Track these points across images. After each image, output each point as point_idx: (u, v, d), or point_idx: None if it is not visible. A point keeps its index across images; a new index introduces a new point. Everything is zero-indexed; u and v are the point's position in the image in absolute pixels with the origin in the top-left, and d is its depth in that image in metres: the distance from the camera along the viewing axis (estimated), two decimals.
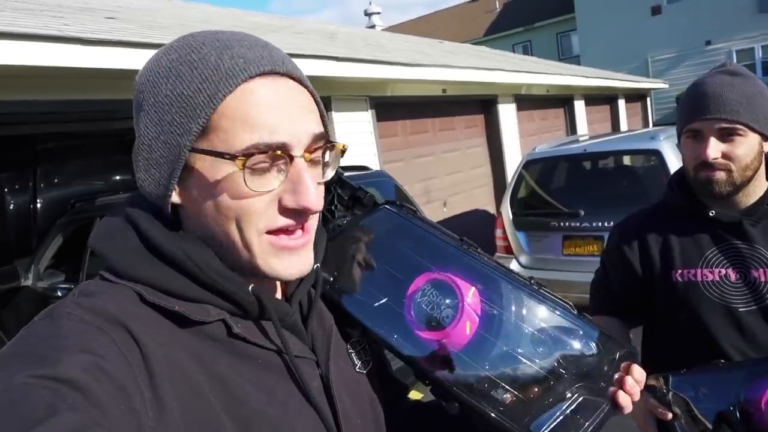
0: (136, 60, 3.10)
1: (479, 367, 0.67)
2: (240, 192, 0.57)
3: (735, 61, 17.65)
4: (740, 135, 1.19)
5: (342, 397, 0.68)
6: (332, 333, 0.72)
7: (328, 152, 0.64)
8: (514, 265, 4.70)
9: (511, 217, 4.76)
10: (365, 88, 5.38)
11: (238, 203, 0.57)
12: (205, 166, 0.58)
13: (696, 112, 1.22)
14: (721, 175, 1.21)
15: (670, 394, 1.03)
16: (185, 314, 0.57)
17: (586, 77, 9.80)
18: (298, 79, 0.61)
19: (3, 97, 2.99)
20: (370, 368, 0.77)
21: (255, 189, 0.57)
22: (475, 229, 6.81)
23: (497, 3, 29.36)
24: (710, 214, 1.26)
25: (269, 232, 0.59)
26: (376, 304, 0.75)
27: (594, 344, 0.71)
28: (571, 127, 10.09)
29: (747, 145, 1.20)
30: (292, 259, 0.61)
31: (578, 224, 4.31)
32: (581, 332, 0.71)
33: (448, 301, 0.71)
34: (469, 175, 7.50)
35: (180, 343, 0.57)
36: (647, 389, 1.14)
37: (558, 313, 0.72)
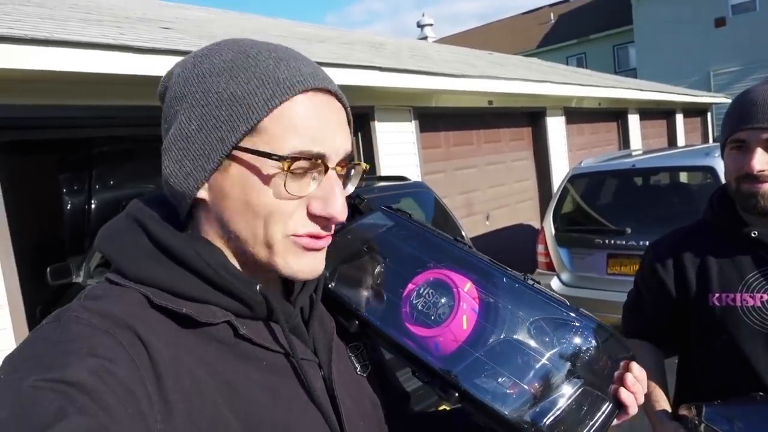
0: None
1: (479, 356, 0.68)
2: (278, 192, 0.59)
3: None
4: None
5: (344, 399, 0.69)
6: (333, 336, 0.74)
7: (353, 170, 0.69)
8: (555, 283, 4.57)
9: (553, 232, 4.63)
10: (409, 98, 5.39)
11: (273, 202, 0.59)
12: (246, 164, 0.59)
13: (742, 122, 1.15)
14: (766, 188, 1.13)
15: (703, 426, 0.97)
16: (192, 316, 0.58)
17: (641, 90, 9.48)
18: (340, 99, 0.64)
19: (63, 101, 3.17)
20: (369, 372, 0.78)
21: (291, 192, 0.59)
22: (517, 243, 6.68)
23: (551, 15, 28.92)
24: (752, 234, 1.17)
25: (294, 235, 0.61)
26: (378, 301, 0.76)
27: (592, 336, 0.71)
28: (624, 142, 9.77)
29: None
30: (308, 260, 0.63)
31: (624, 242, 4.15)
32: (579, 324, 0.72)
33: (443, 300, 0.73)
34: (514, 188, 7.36)
35: (186, 345, 0.58)
36: (679, 419, 1.08)
37: (554, 305, 0.73)
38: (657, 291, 1.32)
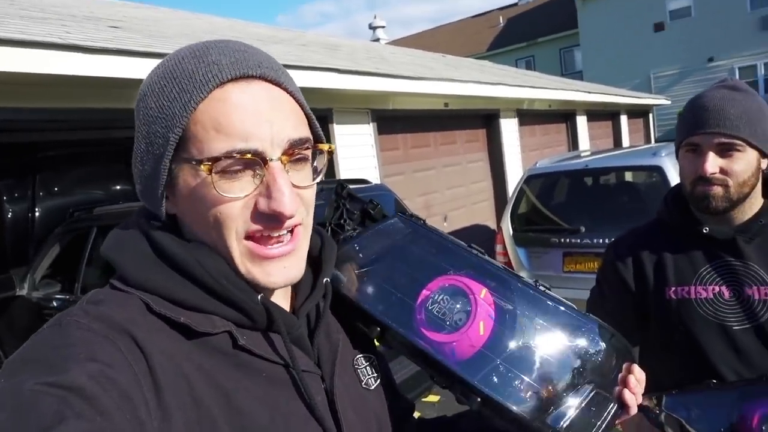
0: (136, 69, 3.10)
1: (498, 362, 0.69)
2: (213, 198, 0.57)
3: (738, 77, 17.79)
4: (739, 150, 1.18)
5: (347, 413, 0.67)
6: (339, 348, 0.71)
7: (317, 157, 0.65)
8: None
9: (511, 232, 4.73)
10: (367, 100, 5.39)
11: (214, 209, 0.58)
12: (185, 175, 0.59)
13: (695, 126, 1.20)
14: (718, 190, 1.19)
15: (663, 414, 1.01)
16: (190, 325, 0.57)
17: (588, 92, 9.82)
18: (275, 82, 0.60)
19: (3, 104, 2.99)
20: (378, 385, 0.76)
21: (227, 194, 0.57)
22: (475, 244, 6.78)
23: (501, 18, 29.58)
24: (704, 231, 1.24)
25: (248, 238, 0.59)
26: (396, 306, 0.76)
27: (601, 341, 0.74)
28: (573, 143, 10.09)
29: (745, 161, 1.19)
30: (273, 267, 0.61)
31: (579, 240, 4.27)
32: (588, 329, 0.74)
33: (459, 305, 0.73)
34: (470, 189, 7.48)
35: (185, 353, 0.57)
36: (640, 409, 1.12)
37: (565, 309, 0.75)
38: (617, 288, 1.37)
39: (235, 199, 0.57)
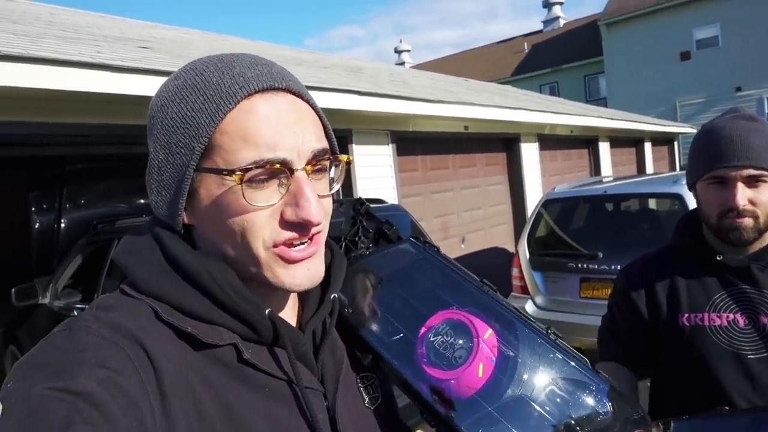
0: (156, 87, 3.20)
1: (490, 410, 0.65)
2: (241, 207, 0.58)
3: (766, 107, 17.47)
4: (765, 181, 1.17)
5: (348, 431, 0.67)
6: (342, 365, 0.71)
7: (334, 167, 0.66)
8: (529, 306, 4.61)
9: (528, 256, 4.69)
10: (387, 122, 5.45)
11: (241, 218, 0.58)
12: (209, 184, 0.59)
13: (720, 159, 1.18)
14: (748, 221, 1.18)
15: None
16: (197, 336, 0.58)
17: (612, 119, 9.77)
18: (298, 94, 0.62)
19: (35, 118, 3.11)
20: (379, 404, 0.75)
21: (255, 203, 0.58)
22: (492, 266, 6.73)
23: (525, 45, 29.71)
24: (718, 258, 1.23)
25: (275, 245, 0.60)
26: (393, 336, 0.74)
27: (608, 402, 0.69)
28: (596, 168, 10.01)
29: None
30: (297, 270, 0.61)
31: (596, 266, 4.22)
32: (596, 388, 0.69)
33: (461, 341, 0.70)
34: (489, 212, 7.46)
35: (191, 363, 0.57)
36: None
37: (574, 365, 0.70)
38: (630, 314, 1.35)
39: (262, 208, 0.58)
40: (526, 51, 29.06)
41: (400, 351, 0.72)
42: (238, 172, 0.57)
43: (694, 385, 1.22)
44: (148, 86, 3.19)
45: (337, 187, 0.67)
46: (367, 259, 0.84)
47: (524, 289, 4.70)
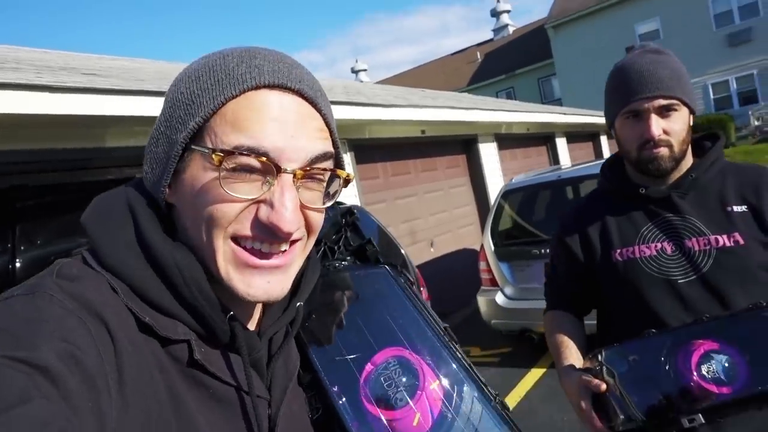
0: (108, 106, 3.16)
1: None
2: (217, 195, 0.56)
3: (711, 93, 18.17)
4: (676, 110, 1.22)
5: None
6: (293, 376, 0.69)
7: (336, 182, 0.64)
8: (499, 298, 4.65)
9: (493, 248, 4.75)
10: (342, 130, 5.48)
11: (212, 206, 0.56)
12: (195, 166, 0.58)
13: (633, 93, 1.23)
14: (664, 151, 1.23)
15: (604, 368, 1.01)
16: (153, 327, 0.56)
17: (564, 114, 10.03)
18: (310, 100, 0.59)
19: None
20: (319, 416, 0.73)
21: (232, 193, 0.55)
22: (462, 267, 6.78)
23: (478, 54, 30.40)
24: (641, 192, 1.27)
25: (235, 240, 0.57)
26: (338, 358, 0.72)
27: None
28: (555, 164, 10.23)
29: (682, 120, 1.23)
30: (255, 279, 0.58)
31: None
32: None
33: (406, 382, 0.68)
34: (454, 214, 7.52)
35: (151, 348, 0.56)
36: (582, 370, 1.12)
37: None
38: (566, 259, 1.39)
39: (238, 200, 0.56)
40: (480, 60, 29.72)
41: (342, 379, 0.70)
42: (219, 153, 0.55)
43: (634, 317, 1.26)
44: (92, 105, 3.14)
45: (330, 202, 0.63)
46: (338, 274, 0.82)
47: (493, 282, 4.75)
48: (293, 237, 0.58)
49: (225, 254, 0.57)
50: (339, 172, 0.63)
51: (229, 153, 0.55)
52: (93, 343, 0.50)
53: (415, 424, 0.65)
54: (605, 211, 1.34)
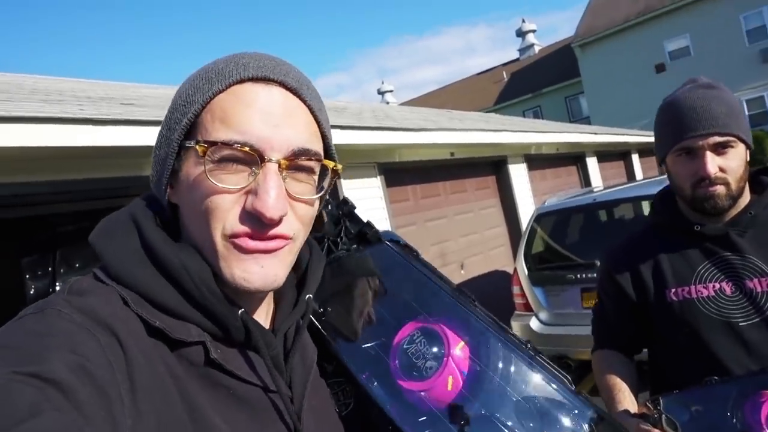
0: (146, 137, 3.24)
1: (451, 426, 0.63)
2: (208, 188, 0.57)
3: (746, 109, 17.77)
4: (732, 147, 1.18)
5: None
6: (312, 370, 0.69)
7: (328, 175, 0.64)
8: (534, 323, 4.55)
9: (526, 273, 4.67)
10: (373, 155, 5.50)
11: (206, 200, 0.57)
12: (189, 164, 0.59)
13: (686, 130, 1.19)
14: (721, 189, 1.18)
15: (663, 416, 0.96)
16: (165, 330, 0.56)
17: (595, 134, 9.90)
18: (294, 91, 0.60)
19: (19, 179, 3.13)
20: (350, 411, 0.72)
21: (220, 184, 0.57)
22: (494, 289, 6.68)
23: (504, 73, 30.39)
24: (696, 229, 1.22)
25: (233, 236, 0.58)
26: (363, 345, 0.71)
27: (587, 426, 0.64)
28: (586, 184, 10.06)
29: (739, 157, 1.19)
30: (249, 265, 0.58)
31: (595, 275, 4.18)
32: (575, 410, 0.65)
33: (434, 350, 0.68)
34: (485, 236, 7.45)
35: (161, 356, 0.56)
36: (639, 416, 1.07)
37: (552, 385, 0.67)
38: (616, 296, 1.34)
39: (227, 191, 0.57)
40: (506, 79, 29.70)
41: (369, 362, 0.69)
42: (203, 144, 0.57)
43: (690, 358, 1.20)
44: (131, 137, 3.22)
45: (321, 194, 0.64)
46: (344, 260, 0.82)
47: (527, 306, 4.66)
48: (282, 231, 0.59)
49: (226, 250, 0.58)
50: (326, 162, 0.63)
51: (213, 144, 0.56)
52: (103, 353, 0.50)
53: (449, 388, 0.65)
54: (657, 248, 1.29)
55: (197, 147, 0.57)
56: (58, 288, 5.25)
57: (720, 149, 1.18)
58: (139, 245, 0.59)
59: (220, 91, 0.58)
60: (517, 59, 32.28)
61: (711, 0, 18.40)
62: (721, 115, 1.16)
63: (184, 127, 0.59)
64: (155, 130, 2.95)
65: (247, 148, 0.56)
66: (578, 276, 4.30)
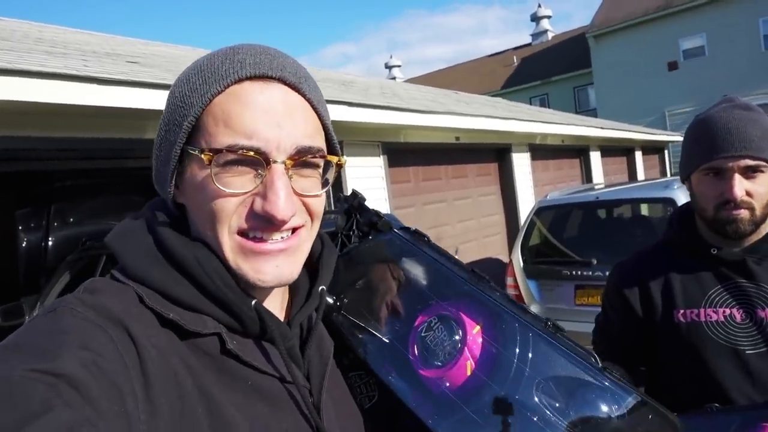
0: (151, 100, 3.18)
1: (470, 413, 0.62)
2: (213, 192, 0.57)
3: None
4: (762, 172, 1.15)
5: (332, 430, 0.64)
6: (329, 361, 0.69)
7: (331, 168, 0.65)
8: None
9: (522, 264, 4.67)
10: (378, 133, 5.44)
11: (211, 203, 0.58)
12: (194, 166, 0.59)
13: (718, 150, 1.15)
14: (745, 213, 1.15)
15: None
16: (180, 323, 0.57)
17: (602, 128, 9.83)
18: (294, 87, 0.60)
19: (21, 132, 3.08)
20: (374, 403, 0.72)
21: (226, 189, 0.57)
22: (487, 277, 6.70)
23: (515, 58, 30.02)
24: (712, 252, 1.20)
25: (240, 234, 0.59)
26: (380, 336, 0.71)
27: (615, 404, 0.62)
28: (587, 177, 10.05)
29: (767, 183, 1.16)
30: (263, 264, 0.59)
31: (591, 273, 4.20)
32: (605, 391, 0.62)
33: (452, 337, 0.68)
34: (482, 223, 7.45)
35: (176, 350, 0.56)
36: None
37: (574, 363, 0.64)
38: (623, 311, 1.33)
39: (233, 195, 0.57)
40: (516, 64, 29.35)
41: (386, 354, 0.69)
42: (207, 153, 0.56)
43: (692, 382, 1.19)
44: (136, 99, 3.16)
45: (325, 189, 0.64)
46: (355, 251, 0.82)
47: (519, 298, 4.67)
48: (293, 224, 0.60)
49: (232, 246, 0.59)
50: (330, 157, 0.63)
51: (218, 151, 0.56)
52: (115, 349, 0.51)
53: (468, 373, 0.65)
54: (669, 267, 1.27)
55: (203, 156, 0.57)
56: (50, 243, 5.24)
57: (750, 173, 1.15)
58: (152, 243, 0.61)
59: (219, 92, 0.57)
60: (529, 44, 31.85)
61: (731, 1, 18.12)
62: (756, 139, 1.13)
63: (186, 131, 0.58)
64: (160, 93, 2.90)
65: (252, 153, 0.56)
66: (574, 273, 4.30)
